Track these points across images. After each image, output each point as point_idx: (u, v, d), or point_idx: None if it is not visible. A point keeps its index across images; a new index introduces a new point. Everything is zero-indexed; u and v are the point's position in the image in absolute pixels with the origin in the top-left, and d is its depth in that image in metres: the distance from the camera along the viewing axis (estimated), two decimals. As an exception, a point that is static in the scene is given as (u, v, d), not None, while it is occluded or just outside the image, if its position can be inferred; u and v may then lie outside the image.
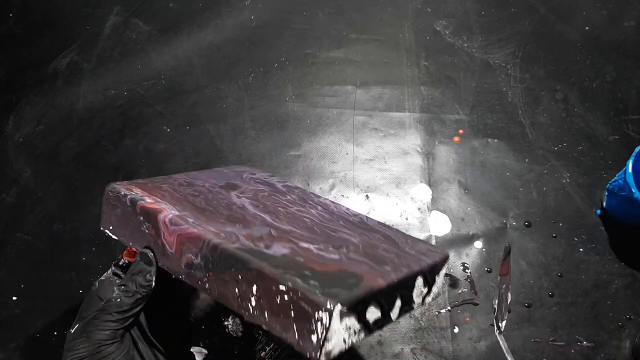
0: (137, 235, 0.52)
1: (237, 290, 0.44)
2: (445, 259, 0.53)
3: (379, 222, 0.58)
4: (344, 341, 0.41)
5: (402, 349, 0.65)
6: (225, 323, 0.65)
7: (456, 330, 0.65)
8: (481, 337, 0.65)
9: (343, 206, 0.60)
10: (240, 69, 0.85)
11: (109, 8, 0.91)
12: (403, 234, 0.56)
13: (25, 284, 0.69)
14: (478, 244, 0.71)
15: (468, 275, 0.69)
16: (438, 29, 0.88)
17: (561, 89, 0.82)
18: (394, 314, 0.46)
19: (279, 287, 0.41)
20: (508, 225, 0.72)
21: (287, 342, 0.41)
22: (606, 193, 0.71)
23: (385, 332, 0.65)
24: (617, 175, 0.69)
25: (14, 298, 0.68)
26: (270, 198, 0.58)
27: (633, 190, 0.62)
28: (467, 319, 0.66)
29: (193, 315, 0.65)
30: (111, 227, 0.55)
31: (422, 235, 0.71)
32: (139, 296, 0.49)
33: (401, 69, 0.85)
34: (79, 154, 0.79)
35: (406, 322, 0.66)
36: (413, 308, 0.49)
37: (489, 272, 0.69)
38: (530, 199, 0.74)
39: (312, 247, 0.48)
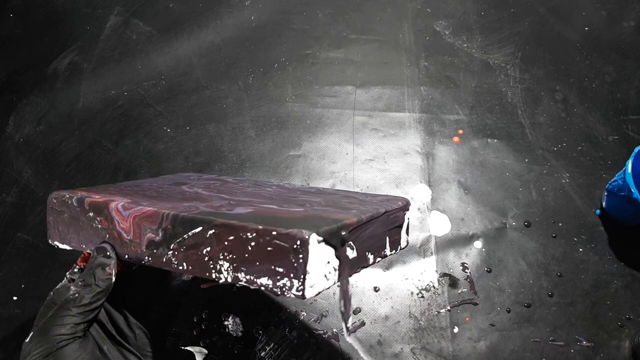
0: (90, 234, 0.50)
1: (205, 252, 0.42)
2: (407, 205, 0.53)
3: (336, 190, 0.60)
4: (326, 277, 0.40)
5: (402, 348, 0.65)
6: (226, 323, 0.65)
7: (456, 330, 0.65)
8: (481, 337, 0.65)
9: (299, 184, 0.61)
10: (240, 69, 0.85)
11: (109, 8, 0.91)
12: (362, 192, 0.57)
13: (25, 284, 0.69)
14: (478, 244, 0.71)
15: (468, 275, 0.69)
16: (438, 29, 0.88)
17: (561, 89, 0.82)
18: (370, 257, 0.46)
19: (249, 235, 0.40)
20: (508, 226, 0.72)
21: (269, 290, 0.40)
22: (606, 193, 0.71)
23: (385, 332, 0.66)
24: (616, 175, 0.69)
25: (14, 298, 0.68)
26: (223, 187, 0.58)
27: (632, 191, 0.62)
28: (467, 319, 0.66)
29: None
30: (60, 237, 0.52)
31: (422, 235, 0.72)
32: (98, 289, 0.46)
33: (401, 69, 0.85)
34: (79, 154, 0.79)
35: (406, 322, 0.66)
36: (386, 254, 0.49)
37: (489, 272, 0.69)
38: (529, 199, 0.74)
39: (274, 206, 0.48)
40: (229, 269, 0.42)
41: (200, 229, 0.43)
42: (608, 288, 0.68)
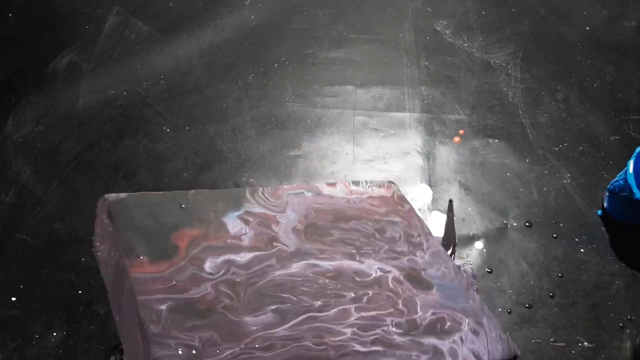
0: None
1: None
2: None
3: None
4: None
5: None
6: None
7: (457, 330, 0.65)
8: (482, 338, 0.65)
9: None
10: (240, 69, 0.85)
11: (109, 8, 0.91)
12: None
13: (25, 284, 0.69)
14: (479, 245, 0.70)
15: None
16: (438, 29, 0.88)
17: (562, 89, 0.82)
18: None
19: None
20: (508, 226, 0.72)
21: None
22: (607, 193, 0.71)
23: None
24: (617, 175, 0.69)
25: (13, 299, 0.68)
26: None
27: (634, 191, 0.62)
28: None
29: None
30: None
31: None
32: None
33: (401, 69, 0.84)
34: (78, 154, 0.79)
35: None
36: None
37: (490, 272, 0.69)
38: (530, 200, 0.73)
39: None
40: None
41: None
42: (609, 289, 0.68)
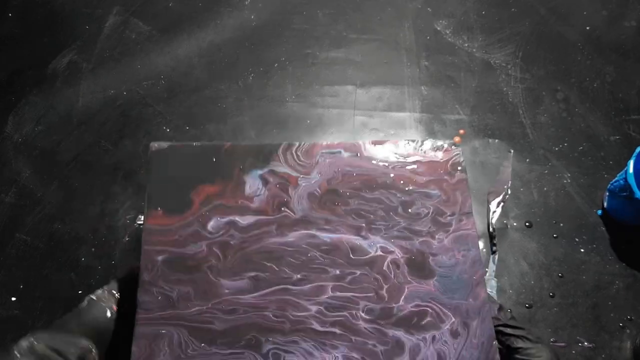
0: None
1: None
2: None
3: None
4: None
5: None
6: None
7: (457, 330, 0.65)
8: (482, 338, 0.65)
9: None
10: (240, 69, 0.85)
11: (109, 8, 0.91)
12: None
13: (25, 284, 0.69)
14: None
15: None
16: (438, 28, 0.88)
17: (562, 89, 0.82)
18: None
19: None
20: (509, 226, 0.72)
21: None
22: (607, 193, 0.71)
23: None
24: (618, 175, 0.69)
25: (13, 299, 0.68)
26: None
27: (634, 191, 0.62)
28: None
29: None
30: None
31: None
32: None
33: (401, 69, 0.84)
34: (78, 154, 0.78)
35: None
36: None
37: (490, 272, 0.69)
38: (531, 199, 0.73)
39: None
40: None
41: None
42: (609, 289, 0.68)
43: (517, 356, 0.47)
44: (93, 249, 0.71)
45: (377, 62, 0.85)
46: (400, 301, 0.47)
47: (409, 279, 0.48)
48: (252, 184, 0.50)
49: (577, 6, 0.89)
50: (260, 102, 0.82)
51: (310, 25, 0.89)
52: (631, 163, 0.64)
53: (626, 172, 0.64)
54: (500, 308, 0.51)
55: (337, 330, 0.45)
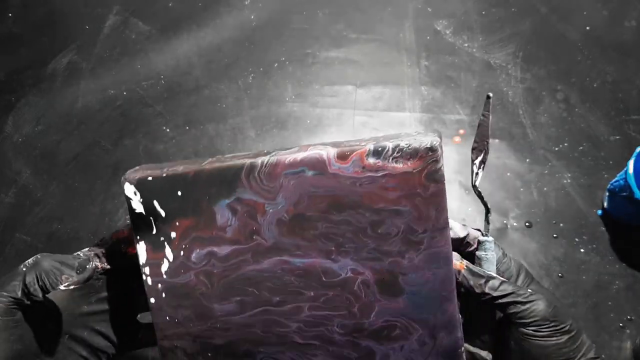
0: None
1: None
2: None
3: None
4: None
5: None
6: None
7: (457, 331, 0.65)
8: (482, 338, 0.65)
9: None
10: (240, 69, 0.85)
11: (108, 8, 0.91)
12: None
13: (24, 284, 0.69)
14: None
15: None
16: (438, 28, 0.88)
17: (562, 89, 0.82)
18: None
19: None
20: (509, 226, 0.72)
21: None
22: (607, 193, 0.71)
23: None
24: (618, 175, 0.69)
25: (13, 299, 0.68)
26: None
27: (634, 191, 0.62)
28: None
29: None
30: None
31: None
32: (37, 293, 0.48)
33: (401, 68, 0.84)
34: (78, 154, 0.78)
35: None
36: None
37: (490, 272, 0.69)
38: (531, 200, 0.73)
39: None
40: None
41: None
42: (609, 289, 0.67)
43: (521, 329, 0.47)
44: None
45: (377, 62, 0.85)
46: (371, 317, 0.50)
47: (378, 297, 0.49)
48: (222, 214, 0.51)
49: (577, 6, 0.89)
50: (260, 102, 0.82)
51: (310, 25, 0.89)
52: (631, 163, 0.64)
53: (626, 172, 0.64)
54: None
55: (317, 342, 0.51)
